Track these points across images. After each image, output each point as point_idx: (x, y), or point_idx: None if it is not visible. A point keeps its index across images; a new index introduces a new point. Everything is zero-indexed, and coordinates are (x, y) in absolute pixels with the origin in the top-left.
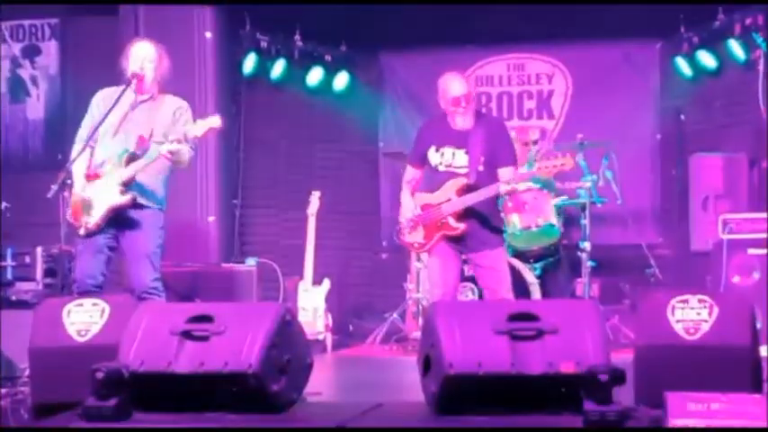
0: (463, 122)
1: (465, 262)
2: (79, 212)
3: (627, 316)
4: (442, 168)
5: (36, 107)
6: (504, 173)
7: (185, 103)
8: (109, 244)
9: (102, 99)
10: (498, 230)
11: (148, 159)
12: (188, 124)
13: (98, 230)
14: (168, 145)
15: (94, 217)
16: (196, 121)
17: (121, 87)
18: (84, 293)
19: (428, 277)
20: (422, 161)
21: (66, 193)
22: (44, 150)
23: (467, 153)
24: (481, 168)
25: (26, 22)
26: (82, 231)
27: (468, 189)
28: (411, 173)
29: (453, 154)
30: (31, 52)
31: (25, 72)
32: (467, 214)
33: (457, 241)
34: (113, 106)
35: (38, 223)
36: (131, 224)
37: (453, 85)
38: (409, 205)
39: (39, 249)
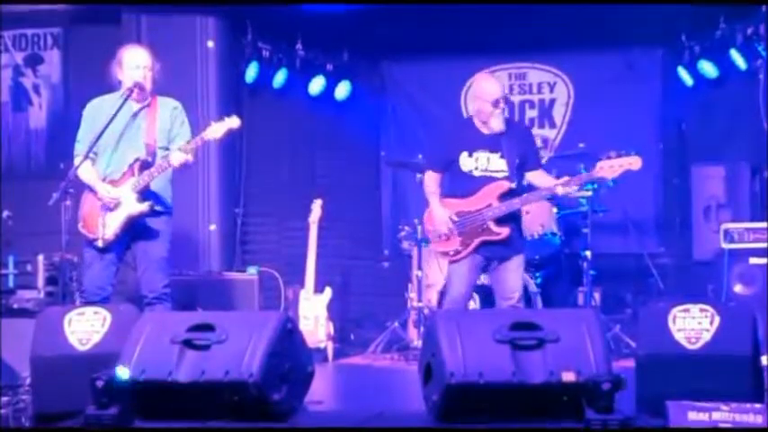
0: (497, 125)
1: (485, 270)
2: (93, 224)
3: (628, 325)
4: (477, 173)
5: (38, 116)
6: (534, 176)
7: (178, 103)
8: (121, 256)
9: (95, 109)
10: (523, 236)
11: (163, 165)
12: (185, 125)
13: (115, 240)
14: (178, 154)
15: (112, 227)
16: (211, 124)
17: (116, 95)
18: (92, 304)
19: (448, 282)
20: (447, 167)
21: (68, 203)
22: (46, 159)
23: (502, 157)
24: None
25: (29, 32)
26: (100, 243)
27: (510, 193)
28: (435, 179)
29: (488, 158)
30: (34, 61)
31: (27, 81)
32: (507, 219)
33: (493, 248)
34: (114, 118)
35: (39, 232)
36: (146, 231)
37: (491, 86)
38: (443, 214)
39: (40, 257)
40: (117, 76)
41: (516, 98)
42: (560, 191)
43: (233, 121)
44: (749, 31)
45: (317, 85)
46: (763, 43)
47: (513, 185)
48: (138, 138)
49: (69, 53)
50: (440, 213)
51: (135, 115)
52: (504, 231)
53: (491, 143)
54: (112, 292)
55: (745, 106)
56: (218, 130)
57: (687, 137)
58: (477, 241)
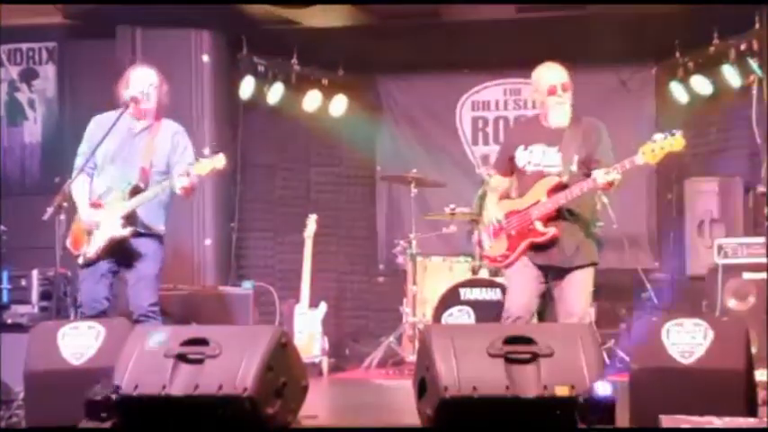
0: (558, 117)
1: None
2: (79, 241)
3: (623, 340)
4: (529, 168)
5: (33, 130)
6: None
7: (181, 127)
8: (111, 269)
9: (98, 125)
10: (596, 241)
11: (153, 195)
12: (188, 150)
13: (97, 260)
14: (183, 179)
15: (94, 247)
16: (200, 160)
17: (118, 112)
18: (91, 318)
19: (507, 298)
20: (509, 166)
21: (62, 217)
22: (41, 174)
23: (559, 151)
24: (574, 168)
25: (24, 46)
26: (81, 260)
27: (561, 188)
28: (497, 180)
29: (544, 152)
30: (29, 76)
31: (23, 95)
32: (559, 218)
33: (545, 255)
34: (108, 133)
35: (34, 246)
36: (132, 251)
37: (548, 72)
38: (493, 210)
39: (35, 272)
40: (123, 95)
41: (511, 113)
42: (601, 179)
43: (219, 162)
44: (742, 46)
45: (312, 100)
46: (755, 59)
47: (565, 180)
48: (134, 160)
49: (64, 67)
50: (488, 209)
51: (136, 135)
52: (551, 231)
53: (550, 136)
54: (109, 307)
55: (738, 121)
56: (204, 167)
57: (681, 152)
58: (524, 244)
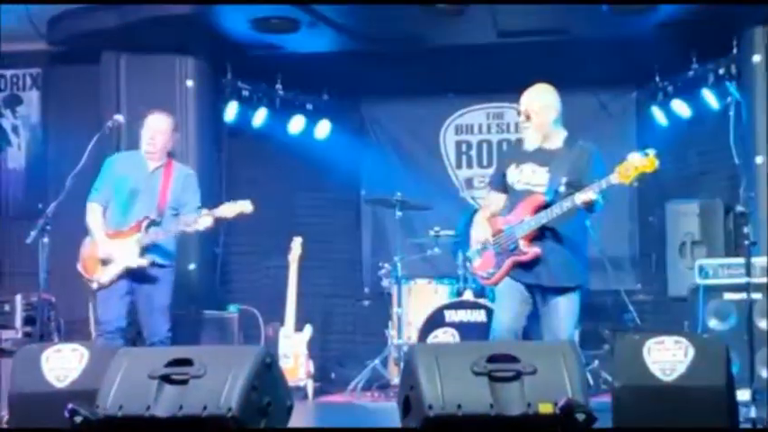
0: (527, 140)
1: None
2: (91, 267)
3: (606, 360)
4: (519, 187)
5: (17, 157)
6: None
7: (192, 171)
8: (129, 290)
9: (116, 162)
10: (584, 265)
11: (167, 231)
12: (197, 194)
13: (110, 284)
14: (206, 219)
15: (109, 274)
16: (224, 203)
17: (137, 152)
18: (111, 336)
19: (493, 319)
20: (502, 182)
21: (45, 240)
22: (24, 199)
23: (548, 172)
24: (562, 189)
25: (8, 73)
26: (94, 285)
27: (543, 207)
28: (493, 197)
29: (534, 171)
30: (13, 102)
31: (6, 122)
32: (544, 237)
33: (531, 274)
34: (87, 152)
35: (18, 272)
36: (148, 280)
37: (523, 97)
38: (481, 228)
39: (18, 297)
40: (140, 135)
41: (494, 137)
42: (578, 200)
43: (246, 206)
44: (721, 71)
45: (296, 124)
46: (734, 82)
47: (547, 199)
48: (152, 197)
49: (49, 94)
50: (476, 227)
51: (151, 174)
52: (533, 251)
53: (543, 157)
54: (128, 324)
55: (717, 144)
56: (230, 210)
57: (662, 175)
58: (509, 262)
